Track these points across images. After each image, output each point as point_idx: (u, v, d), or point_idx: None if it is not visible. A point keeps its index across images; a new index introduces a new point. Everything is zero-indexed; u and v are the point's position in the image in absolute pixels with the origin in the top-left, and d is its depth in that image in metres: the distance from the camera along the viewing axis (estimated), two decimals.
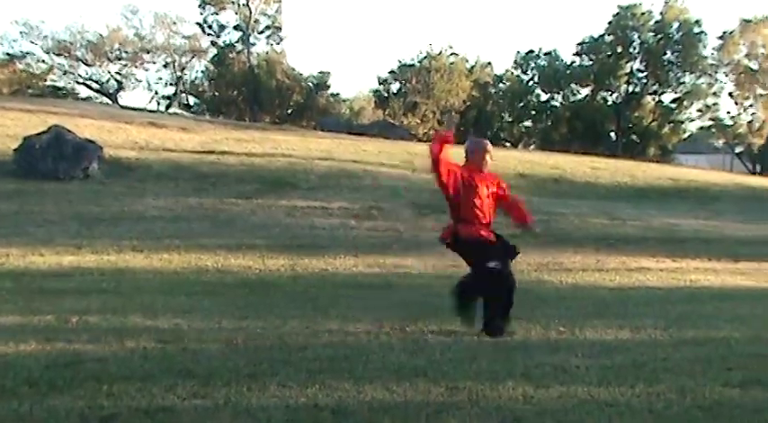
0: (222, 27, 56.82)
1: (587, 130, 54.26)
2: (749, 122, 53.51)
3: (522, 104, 57.91)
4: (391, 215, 17.97)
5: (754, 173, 50.79)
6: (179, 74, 57.13)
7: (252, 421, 4.65)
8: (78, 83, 55.06)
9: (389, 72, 57.58)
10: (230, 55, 56.62)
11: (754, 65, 52.72)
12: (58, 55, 53.02)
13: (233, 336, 6.91)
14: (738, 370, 6.10)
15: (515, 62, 58.78)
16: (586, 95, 56.94)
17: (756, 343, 7.29)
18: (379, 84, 57.75)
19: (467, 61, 58.16)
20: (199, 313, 8.00)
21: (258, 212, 17.42)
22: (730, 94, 54.61)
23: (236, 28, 56.70)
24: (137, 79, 56.64)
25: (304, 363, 5.97)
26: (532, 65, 58.07)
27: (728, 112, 55.72)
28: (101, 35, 53.90)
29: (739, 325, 8.14)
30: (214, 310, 8.18)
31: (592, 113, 55.19)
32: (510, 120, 59.41)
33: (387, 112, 53.61)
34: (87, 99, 52.46)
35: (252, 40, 56.74)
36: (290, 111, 56.78)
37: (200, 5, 55.81)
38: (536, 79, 58.04)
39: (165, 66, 56.67)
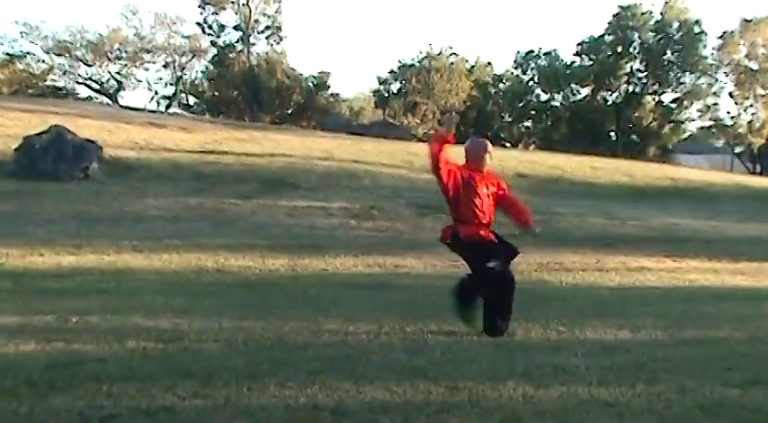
0: (222, 27, 56.85)
1: (587, 130, 54.28)
2: (749, 122, 53.53)
3: (522, 104, 57.93)
4: (391, 215, 17.98)
5: (753, 173, 50.78)
6: (179, 74, 57.18)
7: (251, 421, 4.65)
8: (78, 83, 55.15)
9: (389, 72, 57.71)
10: (230, 55, 56.62)
11: (754, 65, 52.73)
12: (58, 55, 53.05)
13: (233, 336, 6.90)
14: (738, 370, 6.10)
15: (515, 62, 58.87)
16: (586, 95, 56.95)
17: (756, 343, 7.29)
18: (380, 84, 57.85)
19: (467, 61, 58.20)
20: (199, 313, 7.99)
21: (258, 212, 17.42)
22: (730, 94, 54.65)
23: (235, 28, 56.73)
24: (137, 79, 56.76)
25: (304, 363, 5.96)
26: (532, 65, 58.09)
27: (728, 112, 55.75)
28: (101, 35, 53.98)
29: (739, 325, 8.13)
30: (214, 311, 8.17)
31: (592, 113, 55.23)
32: (510, 120, 59.45)
33: (387, 112, 53.62)
34: (87, 99, 52.50)
35: (252, 40, 56.79)
36: (290, 111, 56.77)
37: (199, 5, 55.85)
38: (536, 79, 58.06)
39: (164, 66, 56.73)
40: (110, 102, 52.56)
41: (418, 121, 51.86)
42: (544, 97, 58.45)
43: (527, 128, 60.04)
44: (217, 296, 9.34)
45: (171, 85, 57.62)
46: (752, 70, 52.56)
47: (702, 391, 5.43)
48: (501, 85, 59.45)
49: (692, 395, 5.34)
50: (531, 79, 58.33)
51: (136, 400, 4.94)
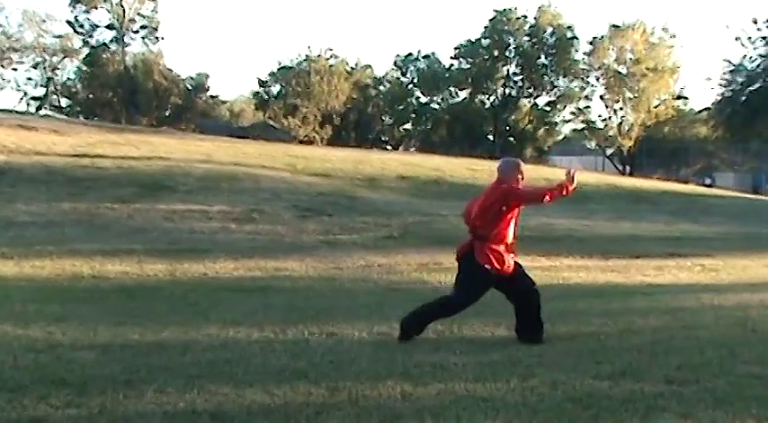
0: (95, 26, 55.30)
1: (466, 133, 55.33)
2: (619, 125, 55.62)
3: (402, 107, 58.55)
4: (272, 218, 17.87)
5: (624, 173, 52.75)
6: (50, 74, 55.31)
7: None
8: None
9: (269, 74, 57.42)
10: (104, 55, 55.12)
11: (622, 69, 54.79)
12: None
13: (109, 343, 6.76)
14: (608, 363, 6.36)
15: (395, 64, 59.42)
16: (465, 98, 58.02)
17: (624, 337, 7.60)
18: (260, 86, 57.45)
19: (347, 63, 58.40)
20: (73, 321, 7.78)
21: (135, 217, 17.03)
22: (601, 98, 56.66)
23: (109, 27, 55.27)
24: (4, 79, 54.57)
25: (183, 368, 5.89)
26: (412, 67, 58.77)
27: (600, 115, 57.88)
28: None
29: (609, 320, 8.47)
30: (89, 318, 7.97)
31: (470, 116, 56.29)
32: (390, 122, 59.99)
33: (267, 115, 53.30)
34: None
35: (126, 39, 55.50)
36: (168, 113, 55.75)
37: (70, 3, 54.13)
38: (416, 82, 58.73)
39: (34, 66, 54.83)
40: None
41: (299, 123, 51.73)
42: (424, 100, 59.24)
43: (407, 130, 60.74)
44: (92, 303, 9.11)
45: (41, 85, 55.77)
46: (621, 74, 54.61)
47: (573, 384, 5.64)
48: (381, 88, 59.92)
49: (563, 388, 5.54)
50: (411, 82, 59.01)
51: (5, 411, 4.79)
